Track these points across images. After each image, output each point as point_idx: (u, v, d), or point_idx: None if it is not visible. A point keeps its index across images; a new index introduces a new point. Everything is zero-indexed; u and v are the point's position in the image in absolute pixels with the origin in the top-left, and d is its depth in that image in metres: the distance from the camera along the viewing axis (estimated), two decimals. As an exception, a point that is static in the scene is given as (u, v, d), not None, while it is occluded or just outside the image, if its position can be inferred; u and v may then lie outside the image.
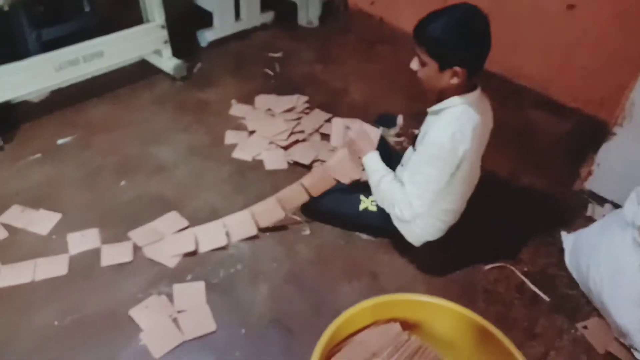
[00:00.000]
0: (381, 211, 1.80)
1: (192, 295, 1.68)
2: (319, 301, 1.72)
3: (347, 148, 1.75)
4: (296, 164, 2.23)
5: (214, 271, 1.77)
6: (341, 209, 1.85)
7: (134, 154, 2.24)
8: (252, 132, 2.39)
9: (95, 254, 1.79)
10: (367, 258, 1.88)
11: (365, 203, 1.83)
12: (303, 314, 1.67)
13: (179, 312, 1.63)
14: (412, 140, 1.77)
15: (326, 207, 1.87)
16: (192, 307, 1.65)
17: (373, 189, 1.68)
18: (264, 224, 1.91)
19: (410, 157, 1.74)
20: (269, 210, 1.90)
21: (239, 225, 1.90)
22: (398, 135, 1.85)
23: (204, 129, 2.41)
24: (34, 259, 1.74)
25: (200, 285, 1.71)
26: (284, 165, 2.23)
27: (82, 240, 1.82)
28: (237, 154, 2.27)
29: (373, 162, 1.67)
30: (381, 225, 1.82)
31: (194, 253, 1.82)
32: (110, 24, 2.76)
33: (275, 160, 2.24)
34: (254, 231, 1.89)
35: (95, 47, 2.33)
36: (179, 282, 1.71)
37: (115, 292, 1.67)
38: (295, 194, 1.87)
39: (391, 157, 1.84)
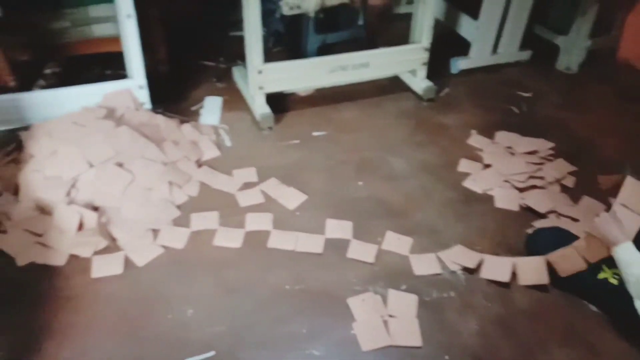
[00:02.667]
0: (622, 287, 1.64)
1: (404, 304, 1.75)
2: (527, 355, 1.63)
3: (595, 228, 1.64)
4: (529, 209, 2.16)
5: (428, 290, 1.82)
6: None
7: (373, 158, 2.42)
8: (487, 166, 2.38)
9: (343, 243, 1.97)
10: (589, 329, 1.72)
11: (606, 273, 1.69)
12: (508, 362, 1.62)
13: (390, 316, 1.72)
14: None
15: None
16: (403, 315, 1.72)
17: (628, 284, 1.53)
18: (524, 282, 1.85)
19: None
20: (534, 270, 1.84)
21: (495, 266, 1.88)
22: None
23: (439, 151, 2.49)
24: (296, 232, 2.00)
25: (414, 299, 1.77)
26: (515, 207, 2.17)
27: (338, 228, 2.02)
28: (467, 183, 2.29)
29: (629, 255, 1.53)
30: (617, 302, 1.65)
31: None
32: (373, 38, 3.05)
33: (506, 200, 2.19)
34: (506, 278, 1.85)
35: (364, 58, 2.59)
36: (393, 289, 1.81)
37: (338, 278, 1.84)
38: (571, 259, 1.75)
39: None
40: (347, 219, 2.07)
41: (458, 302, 1.79)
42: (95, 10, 2.45)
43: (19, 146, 2.21)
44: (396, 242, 1.99)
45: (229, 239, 1.95)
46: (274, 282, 1.82)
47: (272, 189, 2.19)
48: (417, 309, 1.74)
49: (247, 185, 2.21)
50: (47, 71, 2.74)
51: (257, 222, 2.03)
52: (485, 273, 1.86)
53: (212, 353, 1.58)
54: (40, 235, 1.87)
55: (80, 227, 1.87)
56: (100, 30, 2.49)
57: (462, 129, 2.64)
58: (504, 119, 2.73)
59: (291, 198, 2.15)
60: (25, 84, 2.51)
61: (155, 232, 1.95)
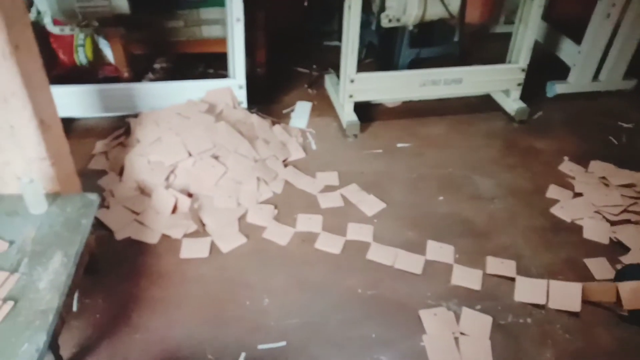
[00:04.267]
0: None
1: (478, 324, 1.72)
2: (607, 397, 1.55)
3: None
4: (619, 244, 2.04)
5: (503, 313, 1.77)
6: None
7: (457, 175, 2.40)
8: (577, 195, 2.28)
9: (447, 268, 1.93)
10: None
11: None
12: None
13: (461, 333, 1.69)
14: None
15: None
16: (475, 335, 1.69)
17: None
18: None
19: None
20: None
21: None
22: None
23: (529, 175, 2.41)
24: (396, 248, 1.99)
25: (488, 320, 1.74)
26: (605, 240, 2.06)
27: (439, 252, 1.99)
28: (556, 211, 2.20)
29: None
30: None
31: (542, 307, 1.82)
32: (467, 56, 3.02)
33: (596, 232, 2.09)
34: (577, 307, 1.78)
35: (457, 74, 2.59)
36: (468, 307, 1.78)
37: (412, 290, 1.85)
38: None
39: None
40: (424, 233, 2.07)
41: (534, 330, 1.73)
42: (207, 13, 2.63)
43: (127, 131, 2.42)
44: (499, 266, 1.93)
45: (331, 245, 1.99)
46: (350, 285, 1.86)
47: (352, 194, 2.24)
48: (491, 331, 1.71)
49: (328, 188, 2.26)
50: (157, 66, 2.98)
51: (357, 232, 2.05)
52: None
53: (283, 343, 1.64)
54: (138, 214, 2.03)
55: (174, 210, 2.02)
56: (208, 31, 2.67)
57: (554, 154, 2.55)
58: (600, 148, 2.60)
59: (370, 205, 2.18)
60: (136, 76, 2.75)
61: (241, 221, 2.05)
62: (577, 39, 2.90)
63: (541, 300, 1.80)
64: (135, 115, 2.45)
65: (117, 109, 2.49)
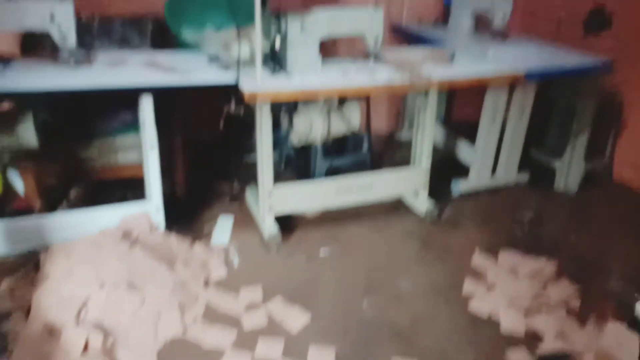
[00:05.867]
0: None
1: None
2: None
3: None
4: (534, 333, 2.13)
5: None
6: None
7: (378, 278, 2.46)
8: (491, 287, 2.39)
9: None
10: None
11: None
12: None
13: None
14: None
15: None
16: None
17: None
18: None
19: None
20: None
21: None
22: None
23: (445, 271, 2.52)
24: None
25: None
26: (521, 332, 2.14)
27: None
28: (472, 306, 2.29)
29: None
30: None
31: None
32: (379, 163, 3.24)
33: (512, 323, 2.18)
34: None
35: (368, 180, 2.75)
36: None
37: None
38: None
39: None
40: (352, 342, 2.06)
41: None
42: (122, 140, 2.68)
43: (37, 266, 2.31)
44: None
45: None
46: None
47: (276, 308, 2.21)
48: None
49: (252, 305, 2.23)
50: (72, 194, 2.92)
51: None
52: None
53: None
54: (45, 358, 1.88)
55: (86, 349, 1.90)
56: (124, 157, 2.70)
57: (465, 249, 2.70)
58: (506, 239, 2.79)
59: (295, 319, 2.16)
60: (51, 206, 2.67)
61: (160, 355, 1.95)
62: (474, 140, 3.21)
63: None
64: (47, 249, 2.35)
65: (27, 243, 2.38)
